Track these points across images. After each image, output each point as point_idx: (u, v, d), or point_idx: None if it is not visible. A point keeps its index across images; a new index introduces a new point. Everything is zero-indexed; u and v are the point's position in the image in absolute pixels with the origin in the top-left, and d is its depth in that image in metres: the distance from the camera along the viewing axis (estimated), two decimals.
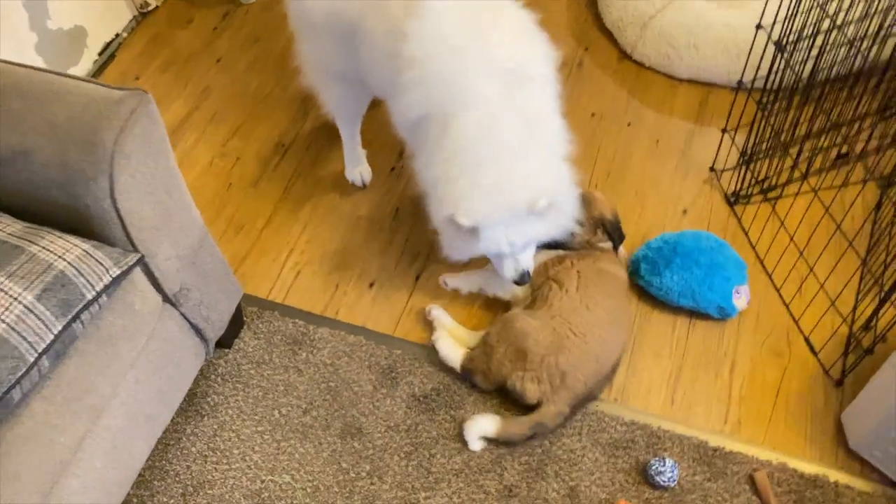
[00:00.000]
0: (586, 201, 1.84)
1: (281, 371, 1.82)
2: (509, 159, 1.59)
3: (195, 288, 1.58)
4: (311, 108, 2.33)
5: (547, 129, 1.65)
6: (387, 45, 1.61)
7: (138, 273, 1.41)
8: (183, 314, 1.58)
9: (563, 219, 1.71)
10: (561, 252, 1.84)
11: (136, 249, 1.38)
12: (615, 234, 1.85)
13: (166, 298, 1.52)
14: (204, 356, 1.69)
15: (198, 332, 1.64)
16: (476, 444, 1.69)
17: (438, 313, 1.87)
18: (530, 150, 1.61)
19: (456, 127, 1.57)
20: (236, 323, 1.84)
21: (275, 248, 2.07)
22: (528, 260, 1.73)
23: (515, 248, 1.67)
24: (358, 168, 2.16)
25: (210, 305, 1.64)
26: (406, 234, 2.09)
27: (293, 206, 2.15)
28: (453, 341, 1.81)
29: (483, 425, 1.68)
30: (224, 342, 1.83)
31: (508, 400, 1.75)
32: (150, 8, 2.65)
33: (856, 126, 2.14)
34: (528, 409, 1.70)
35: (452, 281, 1.94)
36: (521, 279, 1.73)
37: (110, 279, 1.28)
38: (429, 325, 1.88)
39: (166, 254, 1.46)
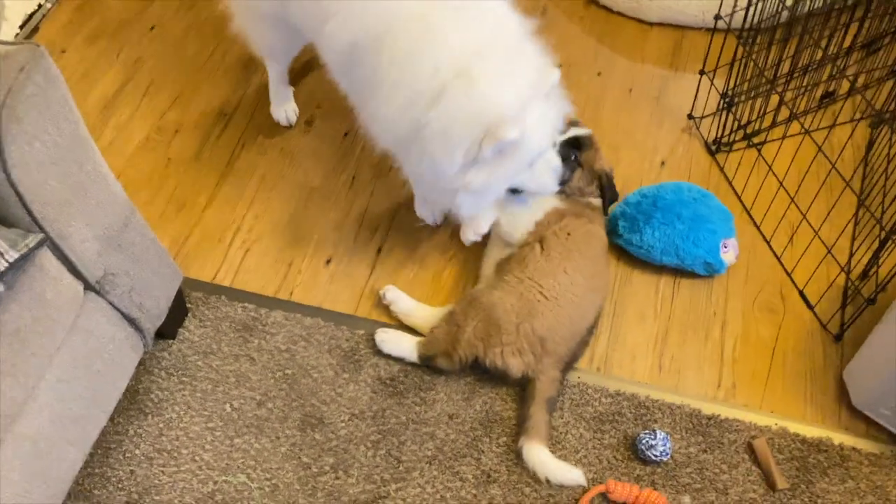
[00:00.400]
0: (593, 146, 1.73)
1: (231, 361, 1.68)
2: (489, 53, 1.40)
3: (123, 273, 1.41)
4: (254, 72, 2.17)
5: (497, 10, 1.47)
6: None
7: (48, 257, 1.23)
8: (111, 303, 1.42)
9: (561, 101, 1.56)
10: (559, 204, 1.70)
11: (41, 230, 1.21)
12: (609, 192, 1.75)
13: (88, 286, 1.35)
14: (142, 348, 1.54)
15: (131, 322, 1.48)
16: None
17: (394, 295, 1.71)
18: (497, 36, 1.44)
19: (401, 45, 1.40)
20: (179, 310, 1.69)
21: (220, 226, 1.90)
22: (554, 156, 1.57)
23: (550, 139, 1.53)
24: (284, 106, 2.06)
25: (143, 292, 1.48)
26: (364, 204, 1.93)
27: (239, 179, 1.98)
28: (396, 334, 1.66)
29: (546, 452, 1.52)
30: (166, 332, 1.67)
31: (484, 377, 1.63)
32: None
33: (842, 62, 2.00)
34: (504, 380, 1.61)
35: (485, 224, 1.71)
36: (563, 178, 1.63)
37: (6, 265, 1.10)
38: None
39: (82, 235, 1.29)
